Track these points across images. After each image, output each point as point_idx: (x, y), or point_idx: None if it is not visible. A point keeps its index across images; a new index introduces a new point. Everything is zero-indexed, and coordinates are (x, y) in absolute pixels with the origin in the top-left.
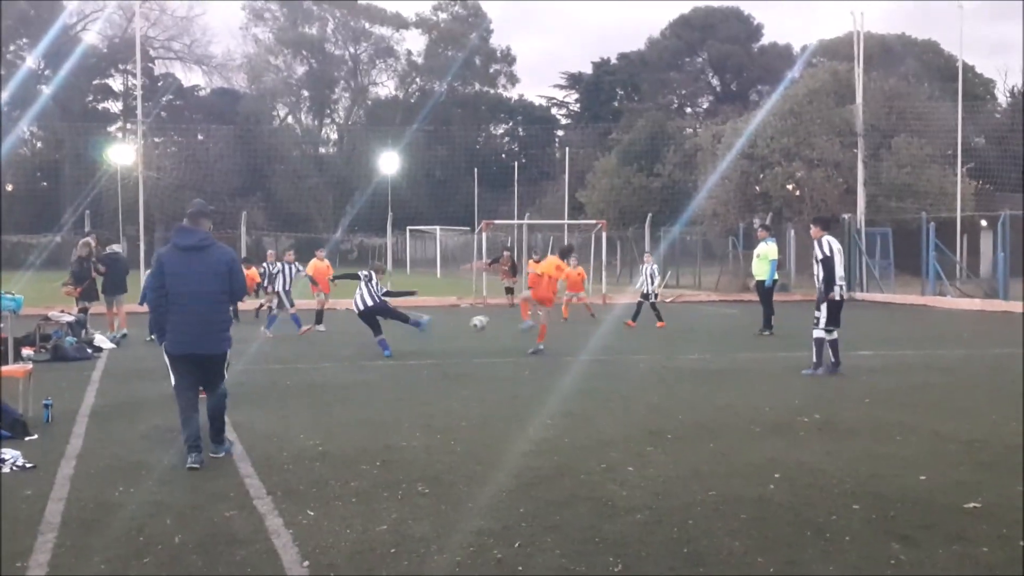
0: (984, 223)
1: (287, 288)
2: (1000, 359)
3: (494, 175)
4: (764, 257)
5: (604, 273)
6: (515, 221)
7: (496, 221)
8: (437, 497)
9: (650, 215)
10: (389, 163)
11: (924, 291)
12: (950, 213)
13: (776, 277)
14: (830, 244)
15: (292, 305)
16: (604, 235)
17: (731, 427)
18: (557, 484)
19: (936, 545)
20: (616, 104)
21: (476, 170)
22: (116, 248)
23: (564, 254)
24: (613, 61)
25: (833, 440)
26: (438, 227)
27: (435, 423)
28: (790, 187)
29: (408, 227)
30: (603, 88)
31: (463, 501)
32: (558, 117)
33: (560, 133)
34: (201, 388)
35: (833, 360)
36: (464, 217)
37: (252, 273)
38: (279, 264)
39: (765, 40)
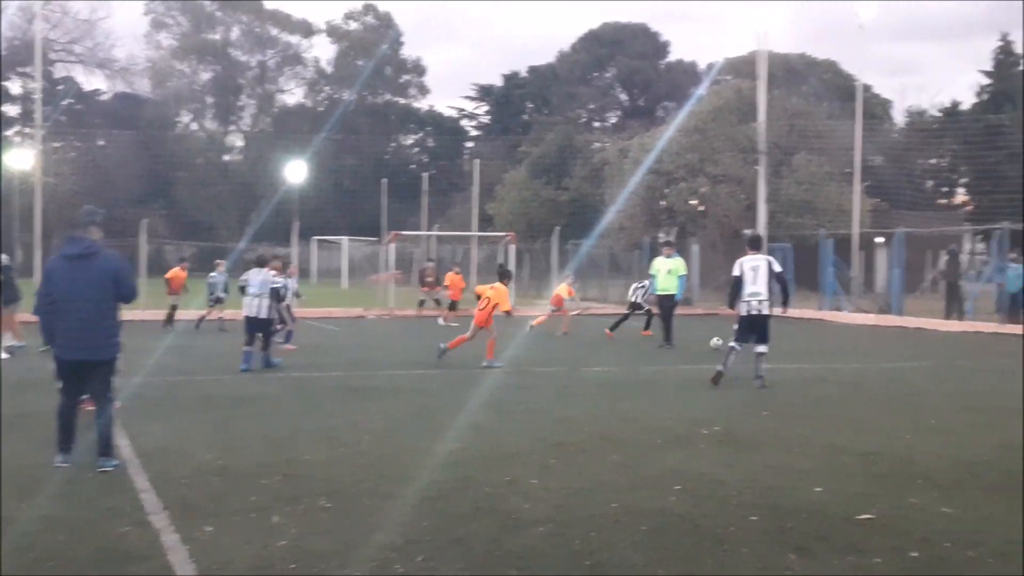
0: (880, 240)
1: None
2: (894, 372)
3: (403, 186)
4: (674, 272)
5: (512, 286)
6: (423, 232)
7: (404, 232)
8: (339, 511)
9: (558, 228)
10: (296, 172)
11: (822, 306)
12: (848, 230)
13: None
14: (740, 265)
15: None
16: (513, 248)
17: (634, 439)
18: (461, 497)
19: (831, 556)
20: (526, 117)
21: (385, 180)
22: (4, 258)
23: (503, 277)
24: (524, 74)
25: (733, 452)
26: (345, 237)
27: (338, 436)
28: (694, 202)
29: (315, 237)
30: (513, 101)
31: (366, 515)
32: (468, 129)
33: (470, 145)
34: (88, 399)
35: (757, 375)
36: (372, 228)
37: (181, 274)
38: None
39: (672, 57)
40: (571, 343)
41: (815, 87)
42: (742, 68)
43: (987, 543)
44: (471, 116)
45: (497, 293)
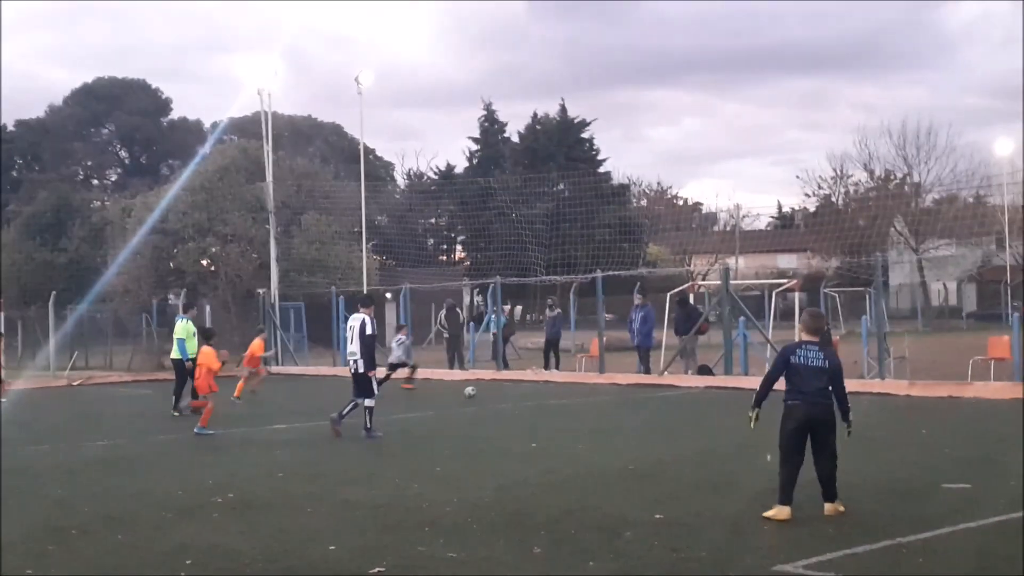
0: (388, 295)
1: None
2: (404, 423)
3: None
4: (175, 334)
5: (4, 357)
6: None
7: None
8: None
9: (54, 292)
10: None
11: (335, 362)
12: (358, 287)
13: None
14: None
15: None
16: (1, 315)
17: (142, 516)
18: None
19: None
20: (15, 174)
21: None
22: None
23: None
24: (10, 128)
25: (247, 518)
26: None
27: None
28: (204, 263)
29: None
30: None
31: None
32: None
33: None
34: None
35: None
36: None
37: None
38: None
39: (175, 115)
40: (72, 417)
41: (321, 148)
42: (248, 127)
43: None
44: None
45: (203, 356)
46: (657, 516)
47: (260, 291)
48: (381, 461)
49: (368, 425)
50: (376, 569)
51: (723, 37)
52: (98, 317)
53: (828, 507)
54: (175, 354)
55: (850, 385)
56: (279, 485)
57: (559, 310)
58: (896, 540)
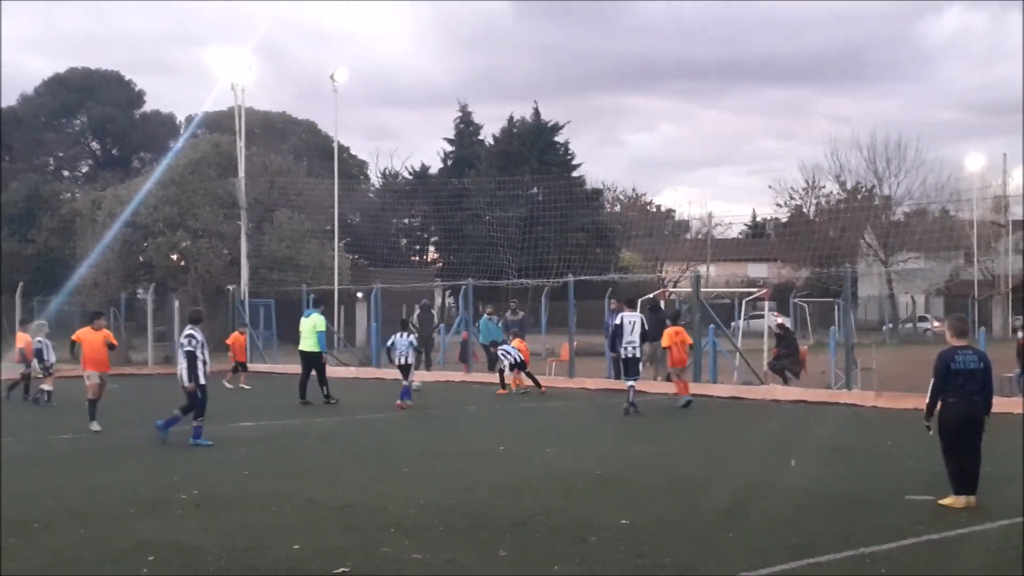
0: (360, 295)
1: None
2: (369, 423)
3: None
4: (314, 328)
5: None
6: None
7: None
8: None
9: (22, 284)
10: None
11: None
12: (329, 285)
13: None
14: (622, 317)
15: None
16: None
17: (104, 510)
18: None
19: None
20: None
21: None
22: None
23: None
24: None
25: (210, 515)
26: None
27: None
28: (174, 257)
29: None
30: None
31: None
32: None
33: None
34: None
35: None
36: None
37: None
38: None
39: (148, 107)
40: (35, 410)
41: (296, 145)
42: (221, 122)
43: None
44: None
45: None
46: (623, 521)
47: (230, 287)
48: (347, 461)
49: (631, 400)
50: (340, 569)
51: (704, 45)
52: (65, 310)
53: (962, 500)
54: (315, 347)
55: (817, 395)
56: (244, 483)
57: (522, 313)
58: (859, 550)
